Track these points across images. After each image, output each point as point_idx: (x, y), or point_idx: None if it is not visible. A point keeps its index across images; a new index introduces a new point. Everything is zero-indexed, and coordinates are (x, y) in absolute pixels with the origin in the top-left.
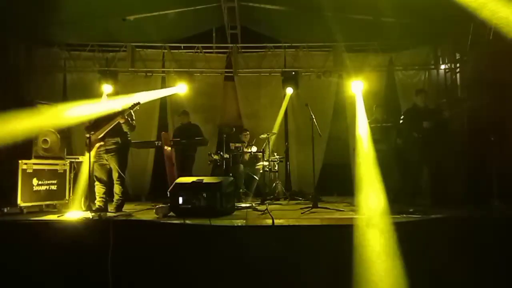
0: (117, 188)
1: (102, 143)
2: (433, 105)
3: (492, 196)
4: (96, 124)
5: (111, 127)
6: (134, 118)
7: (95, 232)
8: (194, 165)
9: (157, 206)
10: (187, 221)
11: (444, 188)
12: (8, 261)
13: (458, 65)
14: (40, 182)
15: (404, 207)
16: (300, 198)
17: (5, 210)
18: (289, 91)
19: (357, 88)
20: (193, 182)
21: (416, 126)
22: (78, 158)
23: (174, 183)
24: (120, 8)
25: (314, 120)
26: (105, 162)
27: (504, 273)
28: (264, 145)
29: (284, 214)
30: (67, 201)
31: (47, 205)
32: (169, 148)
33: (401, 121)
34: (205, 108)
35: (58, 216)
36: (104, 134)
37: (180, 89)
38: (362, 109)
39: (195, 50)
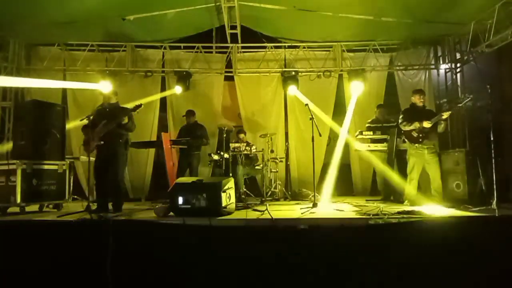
0: (115, 187)
1: (102, 142)
2: (433, 105)
3: (491, 196)
4: (94, 123)
5: (112, 127)
6: (133, 119)
7: (95, 232)
8: (200, 164)
9: (157, 206)
10: (187, 221)
11: (444, 188)
12: (8, 261)
13: (458, 65)
14: (40, 182)
15: (404, 207)
16: (300, 198)
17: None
18: (293, 90)
19: (354, 88)
20: (193, 182)
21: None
22: (79, 159)
23: (174, 183)
24: (120, 8)
25: (314, 120)
26: (104, 160)
27: (504, 273)
28: (264, 145)
29: (284, 214)
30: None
31: (47, 205)
32: (167, 142)
33: (400, 121)
34: (205, 108)
35: (58, 216)
36: (105, 134)
37: (179, 89)
38: (351, 110)
39: (195, 50)
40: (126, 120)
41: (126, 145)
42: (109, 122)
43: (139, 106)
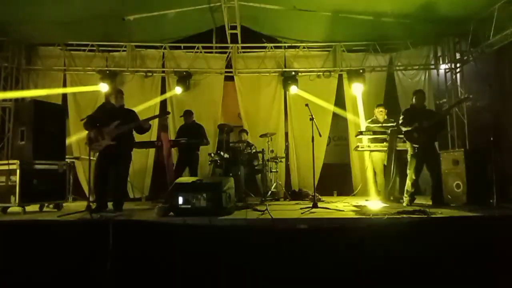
0: (119, 188)
1: (113, 142)
2: (433, 105)
3: (491, 196)
4: (100, 123)
5: (128, 128)
6: None
7: (95, 232)
8: (199, 164)
9: (157, 206)
10: (187, 221)
11: (444, 188)
12: (8, 261)
13: (458, 65)
14: (40, 182)
15: (404, 207)
16: (300, 198)
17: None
18: (293, 90)
19: (357, 88)
20: (193, 182)
21: (415, 126)
22: (78, 158)
23: (174, 183)
24: (120, 8)
25: (314, 120)
26: (110, 160)
27: (504, 272)
28: (264, 145)
29: (284, 214)
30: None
31: (47, 205)
32: (167, 142)
33: (400, 121)
34: (205, 108)
35: (59, 216)
36: (117, 134)
37: (179, 90)
38: (362, 110)
39: (195, 50)
40: (147, 125)
41: (133, 145)
42: (124, 123)
43: (168, 113)
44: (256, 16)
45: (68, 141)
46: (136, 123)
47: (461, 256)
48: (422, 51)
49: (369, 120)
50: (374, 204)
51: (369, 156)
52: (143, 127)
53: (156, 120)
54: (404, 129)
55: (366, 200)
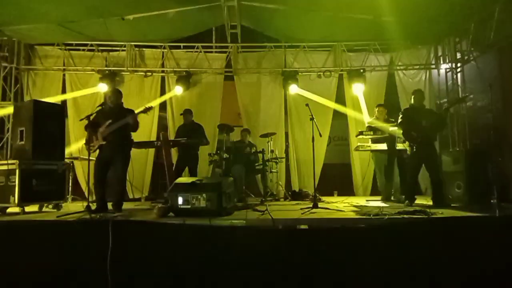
0: (117, 188)
1: (105, 142)
2: (433, 104)
3: (492, 196)
4: (97, 123)
5: (118, 126)
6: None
7: (95, 232)
8: (198, 164)
9: (156, 206)
10: (187, 221)
11: (445, 187)
12: (7, 261)
13: (459, 64)
14: (39, 182)
15: (404, 207)
16: (300, 198)
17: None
18: (294, 89)
19: (358, 88)
20: (192, 182)
21: (414, 125)
22: (78, 158)
23: (173, 183)
24: (120, 8)
25: (314, 120)
26: (106, 160)
27: (504, 272)
28: (264, 145)
29: (284, 214)
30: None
31: (47, 205)
32: (166, 141)
33: (399, 121)
34: (205, 108)
35: (58, 217)
36: (109, 133)
37: (180, 90)
38: (365, 108)
39: (195, 50)
40: (132, 120)
41: (130, 145)
42: (115, 122)
43: (150, 108)
44: (256, 16)
45: (67, 150)
46: (124, 121)
47: (462, 256)
48: (422, 51)
49: (370, 120)
50: (375, 204)
51: (372, 156)
52: (129, 124)
53: (156, 120)
54: (403, 128)
55: (367, 200)
